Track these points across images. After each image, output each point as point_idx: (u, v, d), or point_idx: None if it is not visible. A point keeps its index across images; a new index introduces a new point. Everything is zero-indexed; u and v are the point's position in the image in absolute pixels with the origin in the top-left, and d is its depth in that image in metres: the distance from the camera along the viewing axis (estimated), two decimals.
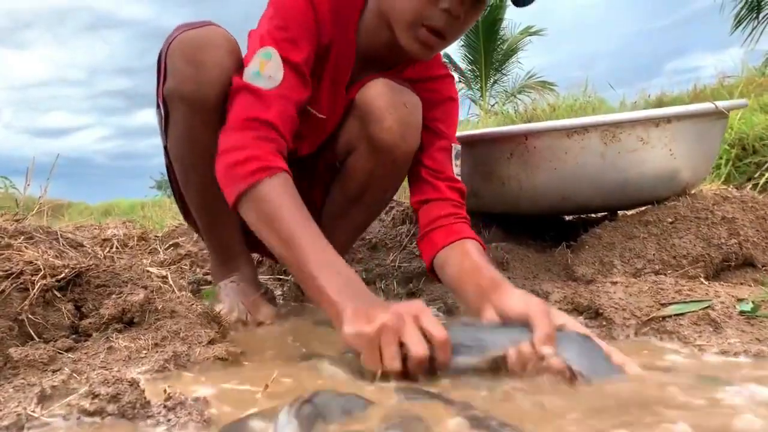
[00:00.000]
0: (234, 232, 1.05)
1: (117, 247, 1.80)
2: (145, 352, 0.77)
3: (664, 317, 0.79)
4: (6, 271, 0.79)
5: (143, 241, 1.85)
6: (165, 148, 1.02)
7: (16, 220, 1.16)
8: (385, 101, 0.95)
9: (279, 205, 0.78)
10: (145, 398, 0.59)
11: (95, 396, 0.59)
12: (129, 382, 0.63)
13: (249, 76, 0.86)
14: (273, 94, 0.85)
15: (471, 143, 1.30)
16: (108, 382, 0.62)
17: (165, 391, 0.62)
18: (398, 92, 0.96)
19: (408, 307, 0.66)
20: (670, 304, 0.81)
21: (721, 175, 2.42)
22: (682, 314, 0.78)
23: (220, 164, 0.84)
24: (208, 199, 0.98)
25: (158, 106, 0.97)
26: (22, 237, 0.97)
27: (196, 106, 0.89)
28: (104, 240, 1.85)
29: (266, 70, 0.86)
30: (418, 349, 0.62)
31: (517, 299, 0.73)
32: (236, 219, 0.96)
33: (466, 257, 0.90)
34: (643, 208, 1.22)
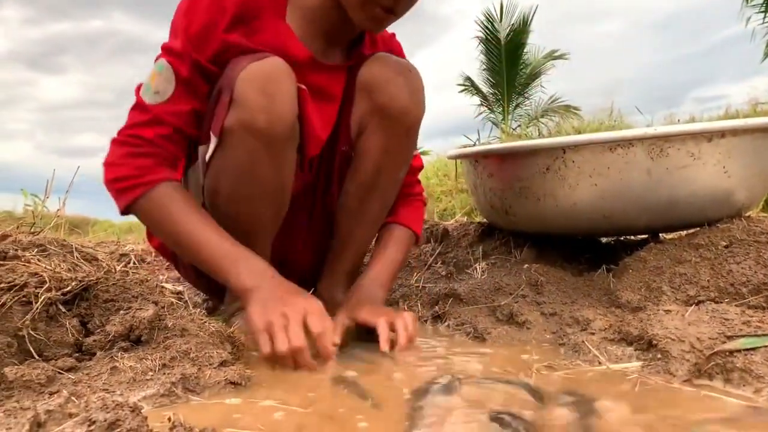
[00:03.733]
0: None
1: (134, 262, 1.77)
2: (151, 373, 0.71)
3: (731, 351, 0.70)
4: (9, 282, 0.74)
5: (161, 257, 1.82)
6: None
7: (32, 233, 1.13)
8: (391, 69, 0.98)
9: (169, 211, 0.89)
10: (147, 426, 0.53)
11: (92, 423, 0.53)
12: (130, 407, 0.57)
13: (143, 89, 0.93)
14: (158, 109, 0.90)
15: (503, 157, 1.22)
16: (107, 408, 0.56)
17: (169, 419, 0.57)
18: (400, 61, 1.01)
19: (300, 306, 0.81)
20: (738, 336, 0.71)
21: (759, 203, 2.30)
22: (754, 349, 0.68)
23: (105, 175, 0.93)
24: (245, 229, 0.94)
25: (198, 143, 0.95)
26: (36, 249, 0.93)
27: (266, 139, 0.85)
28: (122, 255, 1.82)
29: (156, 83, 0.91)
30: (294, 341, 0.77)
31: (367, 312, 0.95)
32: (269, 249, 1.02)
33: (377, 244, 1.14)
34: (692, 231, 1.12)
